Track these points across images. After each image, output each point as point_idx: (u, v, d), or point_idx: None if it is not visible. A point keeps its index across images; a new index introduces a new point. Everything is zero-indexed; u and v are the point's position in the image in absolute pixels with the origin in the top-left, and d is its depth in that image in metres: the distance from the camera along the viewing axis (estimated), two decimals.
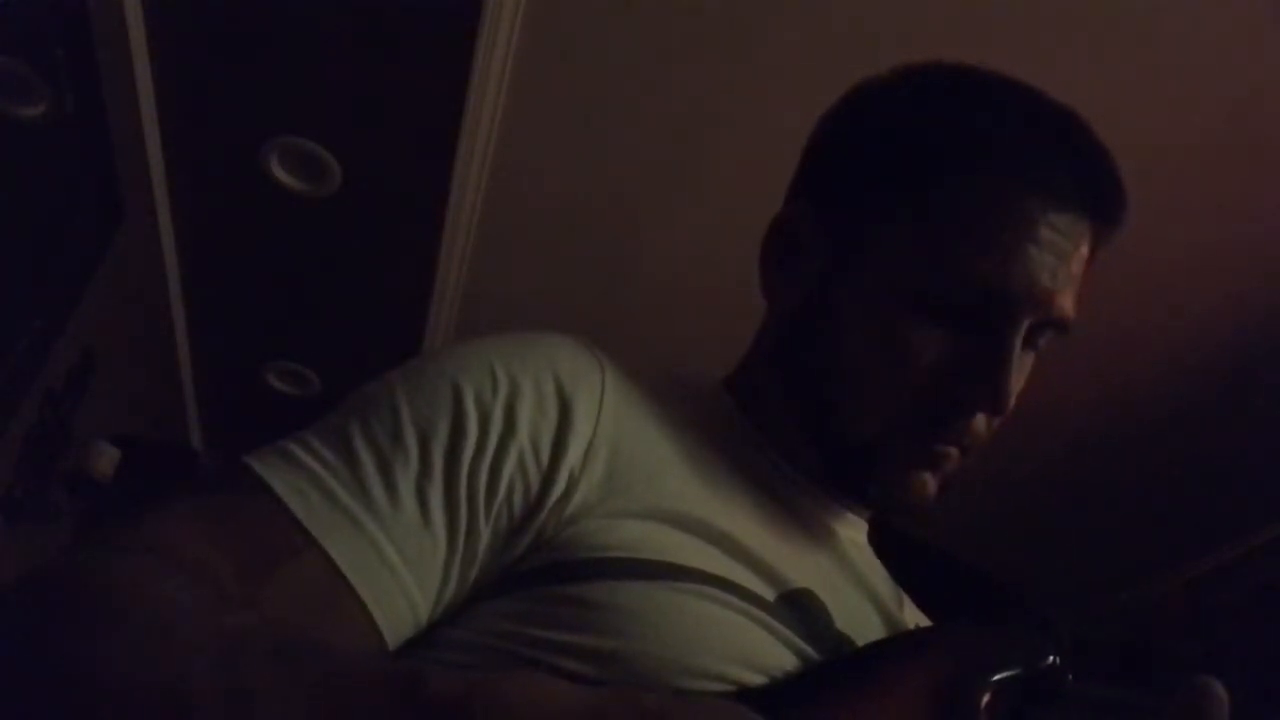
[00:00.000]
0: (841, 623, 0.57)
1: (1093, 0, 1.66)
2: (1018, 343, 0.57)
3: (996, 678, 0.49)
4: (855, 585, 0.63)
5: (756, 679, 0.49)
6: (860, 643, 0.56)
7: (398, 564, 0.48)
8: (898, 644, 0.55)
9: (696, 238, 2.29)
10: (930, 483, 0.60)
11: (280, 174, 2.17)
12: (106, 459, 2.42)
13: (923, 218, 0.59)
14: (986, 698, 0.48)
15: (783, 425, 0.64)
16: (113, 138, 1.99)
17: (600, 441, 0.54)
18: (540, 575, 0.51)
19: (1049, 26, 1.70)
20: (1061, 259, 0.57)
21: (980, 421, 0.59)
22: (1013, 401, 0.58)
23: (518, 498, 0.51)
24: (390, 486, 0.49)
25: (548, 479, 0.52)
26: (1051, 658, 0.52)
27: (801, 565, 0.58)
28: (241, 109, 2.04)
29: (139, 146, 2.08)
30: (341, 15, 1.80)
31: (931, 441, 0.59)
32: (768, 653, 0.51)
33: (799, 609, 0.54)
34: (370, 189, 2.21)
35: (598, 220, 2.30)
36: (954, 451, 0.60)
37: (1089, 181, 0.58)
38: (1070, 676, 0.52)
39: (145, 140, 2.07)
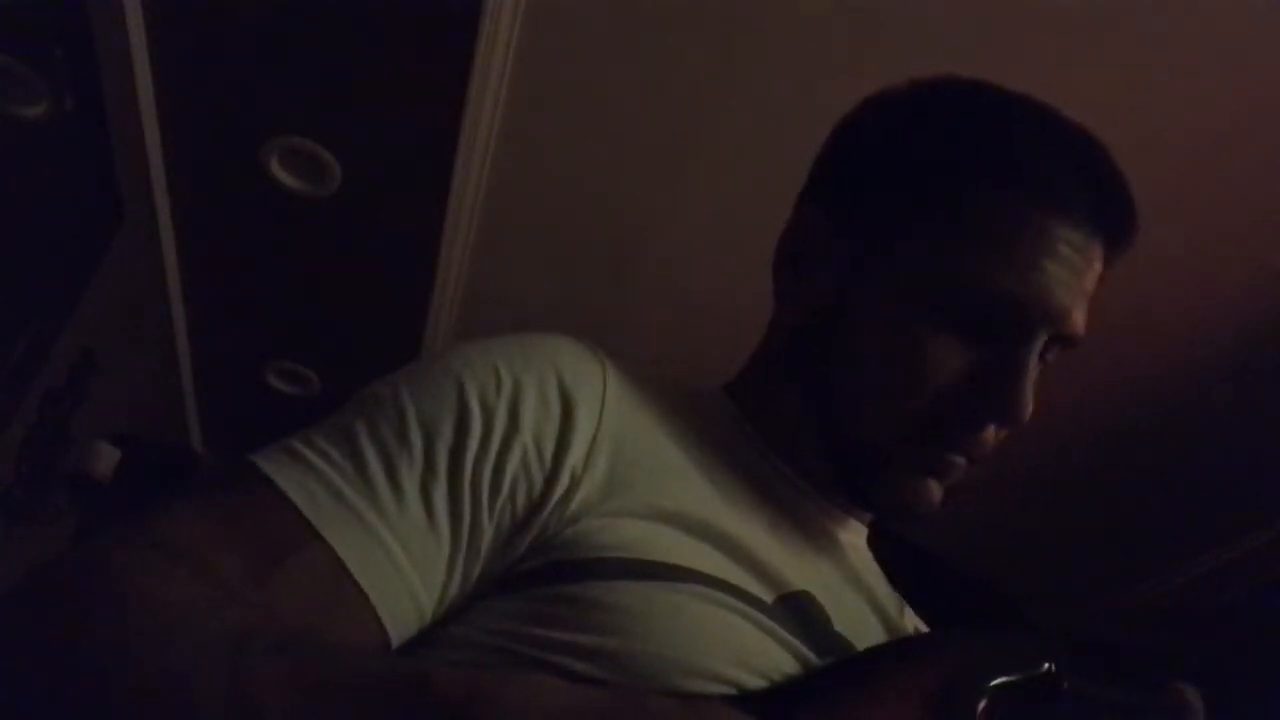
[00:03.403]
0: (840, 625, 0.57)
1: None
2: (1034, 356, 0.59)
3: (993, 684, 0.50)
4: (855, 589, 0.63)
5: (754, 681, 0.49)
6: (859, 646, 0.56)
7: (403, 562, 0.48)
8: (895, 650, 0.56)
9: (698, 237, 2.29)
10: (936, 489, 0.61)
11: (280, 174, 2.18)
12: (106, 459, 2.42)
13: (943, 231, 0.60)
14: (983, 704, 0.48)
15: (789, 429, 0.65)
16: (113, 138, 1.99)
17: (602, 440, 0.54)
18: (542, 574, 0.51)
19: (1053, 25, 1.70)
20: (1076, 275, 0.59)
21: (990, 432, 0.60)
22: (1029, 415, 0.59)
23: (521, 496, 0.51)
24: (396, 485, 0.49)
25: (550, 477, 0.52)
26: (1047, 665, 0.52)
27: (801, 568, 0.58)
28: (241, 109, 2.04)
29: (139, 146, 2.08)
30: (341, 14, 1.80)
31: (943, 450, 0.60)
32: (766, 655, 0.51)
33: (798, 611, 0.55)
34: (370, 189, 2.21)
35: (598, 220, 2.30)
36: (962, 460, 0.61)
37: (1104, 201, 0.60)
38: (1065, 684, 0.52)
39: (145, 140, 2.07)
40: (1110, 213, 0.61)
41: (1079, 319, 0.60)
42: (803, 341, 0.65)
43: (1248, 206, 2.00)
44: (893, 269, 0.61)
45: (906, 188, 0.62)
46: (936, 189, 0.61)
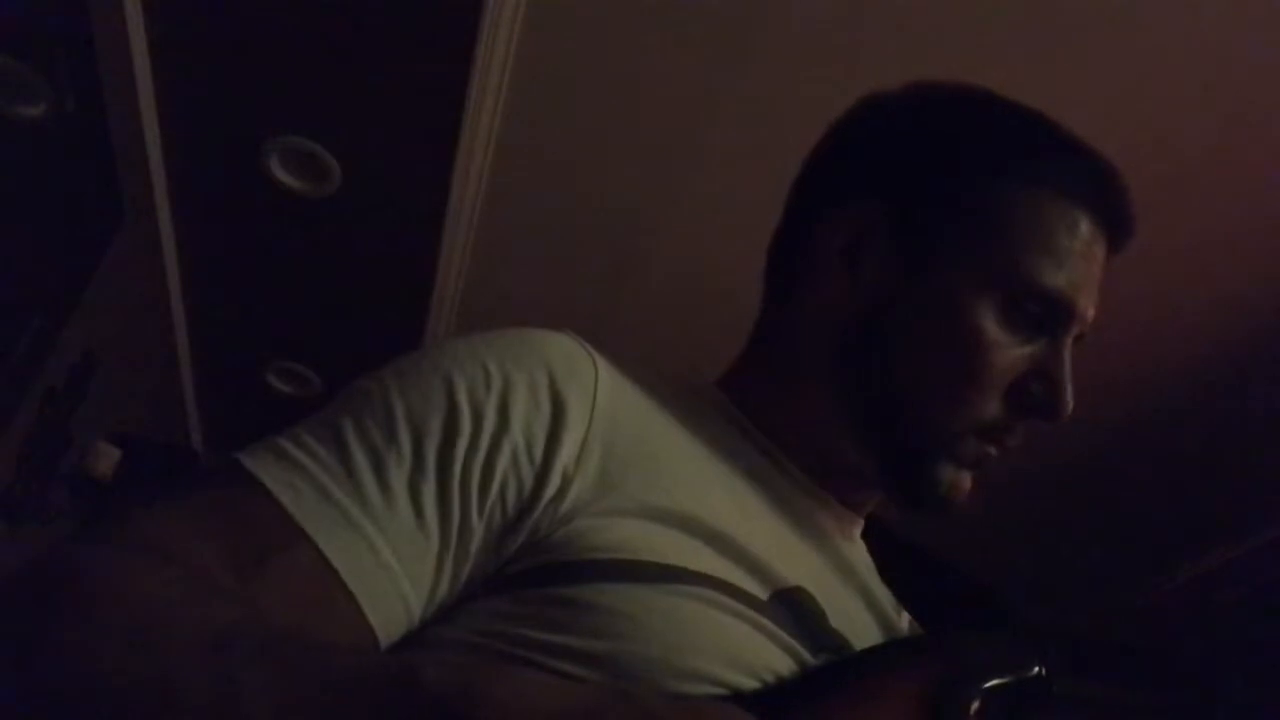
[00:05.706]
0: (836, 621, 0.57)
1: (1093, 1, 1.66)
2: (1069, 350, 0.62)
3: (986, 686, 0.50)
4: (850, 584, 0.63)
5: (749, 680, 0.49)
6: (854, 642, 0.56)
7: (392, 562, 0.48)
8: (888, 650, 0.56)
9: (696, 238, 2.29)
10: (969, 482, 0.63)
11: (280, 174, 2.18)
12: (106, 459, 2.41)
13: (992, 230, 0.62)
14: (976, 705, 0.48)
15: (802, 426, 0.65)
16: (113, 138, 1.99)
17: (594, 438, 0.54)
18: (533, 576, 0.50)
19: (1051, 26, 1.70)
20: (1092, 271, 0.63)
21: (1024, 425, 0.63)
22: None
23: (511, 495, 0.51)
24: (384, 484, 0.49)
25: (541, 476, 0.51)
26: (1038, 667, 0.52)
27: (796, 563, 0.58)
28: (241, 109, 2.04)
29: (139, 146, 2.08)
30: (341, 15, 1.80)
31: (985, 444, 0.62)
32: (760, 653, 0.51)
33: (793, 607, 0.54)
34: (370, 189, 2.21)
35: (598, 220, 2.30)
36: (995, 453, 0.63)
37: (1113, 198, 0.64)
38: (1056, 687, 0.53)
39: (145, 140, 2.07)
40: (1118, 210, 0.64)
41: (1093, 313, 0.64)
42: (845, 340, 0.64)
43: (1248, 206, 1.99)
44: (949, 268, 0.62)
45: (958, 187, 0.64)
46: (982, 188, 0.63)
